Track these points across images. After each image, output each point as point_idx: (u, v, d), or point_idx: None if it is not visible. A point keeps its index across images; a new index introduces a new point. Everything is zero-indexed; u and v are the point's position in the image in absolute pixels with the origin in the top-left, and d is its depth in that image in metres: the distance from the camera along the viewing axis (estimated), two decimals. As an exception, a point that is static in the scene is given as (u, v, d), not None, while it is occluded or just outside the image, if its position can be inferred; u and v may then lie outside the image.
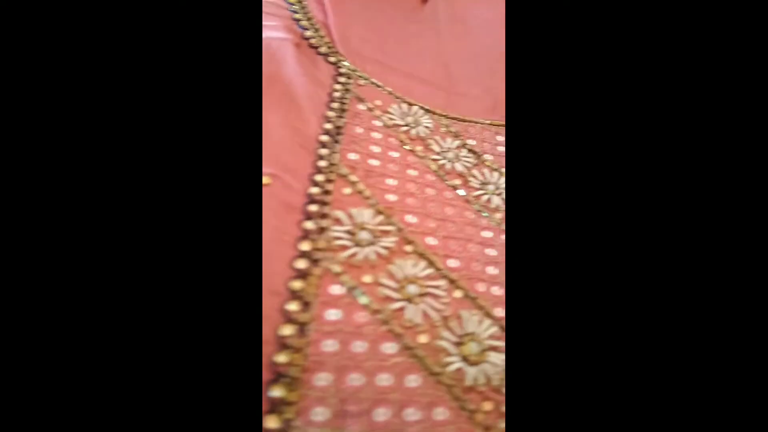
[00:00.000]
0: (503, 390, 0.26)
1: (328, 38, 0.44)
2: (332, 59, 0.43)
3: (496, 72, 0.51)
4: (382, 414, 0.24)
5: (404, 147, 0.38)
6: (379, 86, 0.43)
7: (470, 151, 0.41)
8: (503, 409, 0.26)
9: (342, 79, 0.41)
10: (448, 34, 0.54)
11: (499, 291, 0.31)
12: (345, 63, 0.43)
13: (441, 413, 0.25)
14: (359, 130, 0.38)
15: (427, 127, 0.41)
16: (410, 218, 0.33)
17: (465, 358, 0.27)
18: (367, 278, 0.28)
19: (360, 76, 0.43)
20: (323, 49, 0.43)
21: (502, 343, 0.28)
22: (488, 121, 0.45)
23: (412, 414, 0.24)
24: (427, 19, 0.55)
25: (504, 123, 0.45)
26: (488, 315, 0.29)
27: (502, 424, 0.25)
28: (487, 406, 0.26)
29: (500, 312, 0.30)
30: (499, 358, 0.27)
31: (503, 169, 0.41)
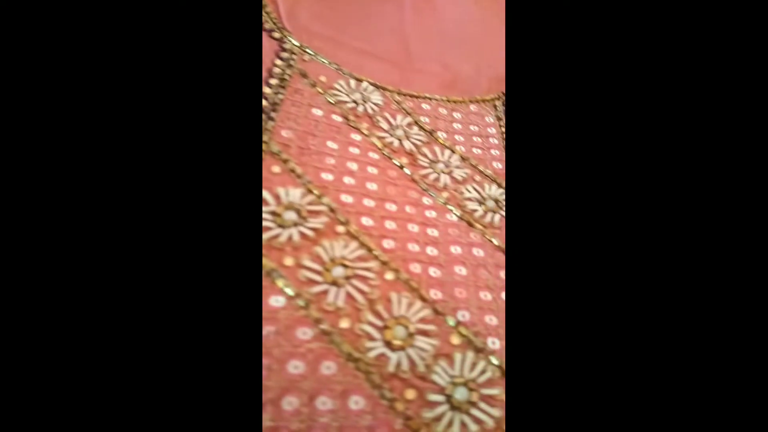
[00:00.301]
0: (431, 376, 0.25)
1: (274, 14, 0.42)
2: (276, 35, 0.41)
3: (460, 47, 0.49)
4: (289, 403, 0.22)
5: (349, 124, 0.36)
6: (326, 62, 0.41)
7: (422, 128, 0.39)
8: (430, 397, 0.24)
9: (284, 55, 0.39)
10: (411, 9, 0.51)
11: (437, 272, 0.29)
12: (290, 39, 0.41)
13: (356, 402, 0.23)
14: (297, 106, 0.36)
15: (376, 104, 0.39)
16: (346, 198, 0.31)
17: (388, 343, 0.25)
18: (288, 261, 0.27)
19: (305, 52, 0.41)
20: (268, 25, 0.41)
21: (432, 327, 0.26)
22: (445, 98, 0.43)
23: (323, 403, 0.22)
24: (391, -5, 0.53)
25: (463, 99, 0.43)
26: (421, 297, 0.28)
27: (428, 413, 0.24)
28: (410, 394, 0.24)
29: (436, 294, 0.28)
30: (427, 343, 0.26)
31: (457, 147, 0.39)
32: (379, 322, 0.26)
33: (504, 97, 0.45)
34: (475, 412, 0.24)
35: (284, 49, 0.40)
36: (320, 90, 0.38)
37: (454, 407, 0.24)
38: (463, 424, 0.24)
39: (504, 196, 0.36)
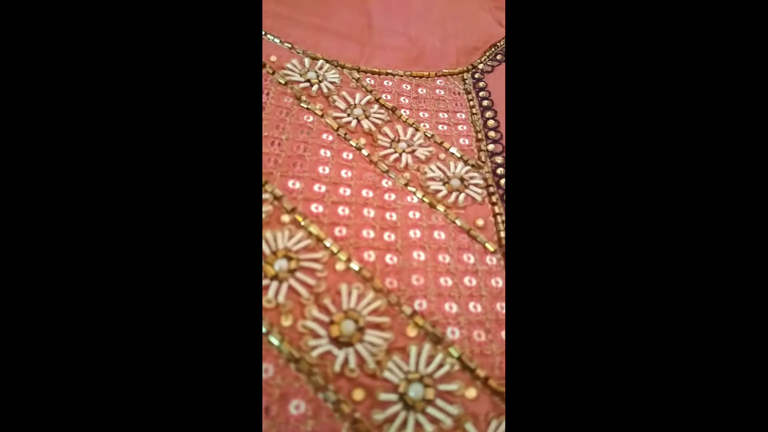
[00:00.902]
0: (382, 374, 0.23)
1: (222, -8, 0.40)
2: (223, 14, 0.38)
3: (426, 18, 0.46)
4: (221, 412, 0.20)
5: (300, 105, 0.34)
6: (277, 41, 0.38)
7: (383, 106, 0.37)
8: (381, 396, 0.22)
9: (231, 35, 0.37)
10: (374, -18, 0.49)
11: (393, 259, 0.27)
12: (238, 17, 0.39)
13: (297, 406, 0.21)
14: (245, 89, 0.33)
15: (332, 82, 0.36)
16: (293, 184, 0.29)
17: (335, 340, 0.23)
18: (225, 255, 0.25)
19: (255, 31, 0.38)
20: (214, 4, 0.39)
21: (385, 319, 0.24)
22: (409, 73, 0.40)
23: (260, 409, 0.21)
24: (354, -31, 0.50)
25: (429, 73, 0.41)
26: (374, 287, 0.25)
27: (378, 415, 0.22)
28: (358, 394, 0.22)
29: (392, 283, 0.26)
30: (379, 337, 0.24)
31: (421, 125, 0.36)
32: (325, 318, 0.24)
33: (473, 70, 0.42)
34: (431, 410, 0.22)
35: (231, 29, 0.38)
36: (270, 70, 0.35)
37: (408, 406, 0.22)
38: (418, 425, 0.22)
39: (469, 174, 0.33)
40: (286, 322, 0.23)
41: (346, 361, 0.22)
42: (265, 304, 0.23)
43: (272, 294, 0.24)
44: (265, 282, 0.24)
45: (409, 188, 0.31)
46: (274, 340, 0.22)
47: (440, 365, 0.23)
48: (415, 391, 0.22)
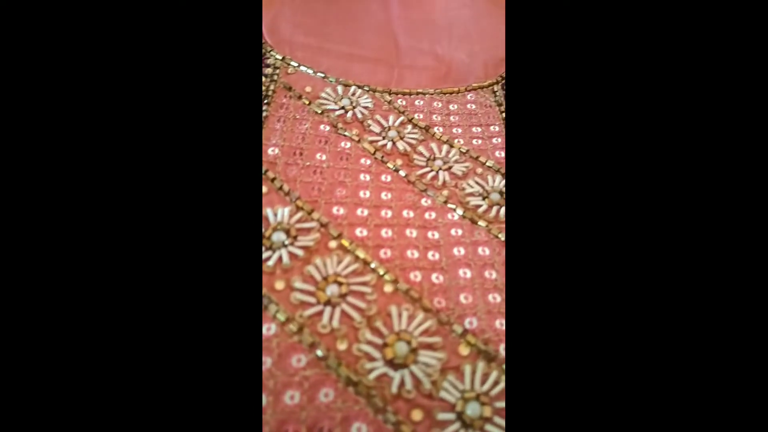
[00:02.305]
0: (439, 393, 0.23)
1: (256, 30, 0.42)
2: (258, 51, 0.40)
3: (450, 35, 0.46)
4: (288, 437, 0.21)
5: (338, 132, 0.35)
6: (310, 72, 0.40)
7: (416, 126, 0.37)
8: (439, 416, 0.22)
9: (267, 71, 0.38)
10: (397, 3, 0.50)
11: (440, 278, 0.27)
12: (272, 53, 0.40)
13: (359, 428, 0.22)
14: (282, 122, 0.35)
15: (366, 107, 0.38)
16: (338, 210, 0.30)
17: (390, 362, 0.23)
18: (279, 285, 0.26)
19: (289, 65, 0.40)
20: (249, 43, 0.41)
21: (437, 339, 0.25)
22: (438, 90, 0.41)
23: (324, 433, 0.21)
24: (376, -8, 0.51)
25: (458, 89, 0.41)
26: (423, 308, 0.26)
27: (438, 434, 0.22)
28: (417, 415, 0.22)
29: (440, 302, 0.26)
30: (432, 357, 0.24)
31: (455, 141, 0.36)
32: (378, 340, 0.24)
33: (503, 81, 0.43)
34: (489, 427, 0.22)
35: (267, 65, 0.39)
36: (306, 101, 0.37)
37: (467, 425, 0.22)
38: (478, 443, 0.22)
39: (509, 187, 0.33)
40: (342, 346, 0.24)
41: (402, 383, 0.23)
42: (320, 329, 0.24)
43: (326, 319, 0.25)
44: (318, 308, 0.25)
45: (449, 205, 0.32)
46: (333, 364, 0.23)
47: (495, 383, 0.23)
48: (472, 410, 0.23)
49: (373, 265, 0.27)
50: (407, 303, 0.26)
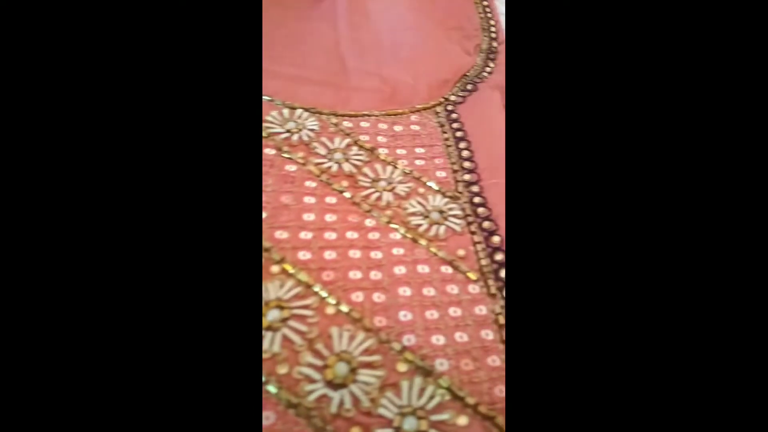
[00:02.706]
0: (377, 410, 0.24)
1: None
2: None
3: (397, 57, 0.48)
4: (228, 463, 0.22)
5: (282, 155, 0.36)
6: (257, 95, 0.40)
7: (362, 147, 0.39)
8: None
9: (213, 95, 0.39)
10: (346, 25, 0.51)
11: (381, 297, 0.28)
12: (219, 77, 0.41)
13: (298, 451, 0.22)
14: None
15: (312, 129, 0.38)
16: (281, 234, 0.31)
17: (330, 383, 0.24)
18: (221, 311, 0.26)
19: (236, 88, 0.40)
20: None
21: (377, 358, 0.26)
22: (384, 112, 0.42)
23: (264, 457, 0.22)
24: (325, 14, 0.52)
25: (403, 111, 0.43)
26: (364, 328, 0.27)
27: (376, 450, 0.23)
28: (355, 432, 0.23)
29: (381, 321, 0.27)
30: (371, 375, 0.25)
31: (398, 162, 0.38)
32: (319, 362, 0.25)
33: (446, 102, 0.45)
34: (425, 441, 0.24)
35: (213, 89, 0.40)
36: (252, 125, 0.38)
37: (404, 440, 0.23)
38: (415, 456, 0.23)
39: (448, 206, 0.35)
40: (282, 370, 0.24)
41: (341, 402, 0.24)
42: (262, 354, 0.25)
43: (267, 344, 0.25)
44: (260, 333, 0.26)
45: (392, 225, 0.33)
46: (272, 389, 0.24)
47: (431, 397, 0.25)
48: (409, 424, 0.24)
49: (315, 288, 0.28)
50: (348, 324, 0.27)
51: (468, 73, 0.48)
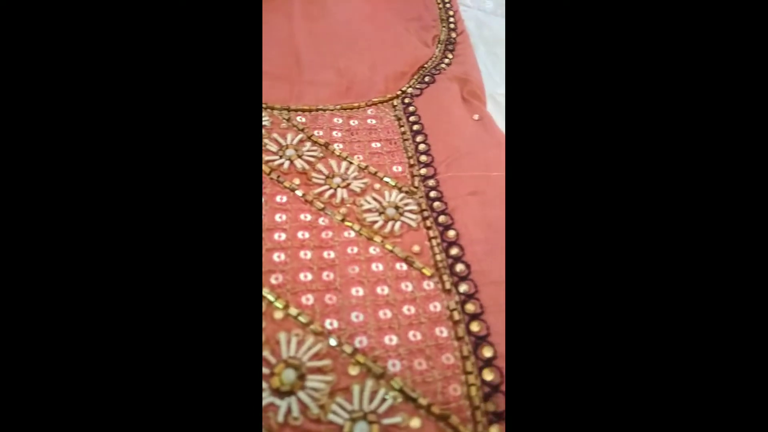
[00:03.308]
0: (327, 417, 0.23)
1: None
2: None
3: (353, 48, 0.47)
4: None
5: (231, 154, 0.35)
6: (205, 91, 0.39)
7: (315, 143, 0.37)
8: (327, 439, 0.23)
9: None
10: (301, 17, 0.49)
11: (333, 299, 0.28)
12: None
13: (242, 464, 0.22)
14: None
15: (263, 126, 0.37)
16: (228, 236, 0.29)
17: (276, 391, 0.23)
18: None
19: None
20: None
21: (326, 362, 0.25)
22: (339, 106, 0.41)
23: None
24: (280, 5, 0.50)
25: (359, 104, 0.42)
26: (314, 332, 0.26)
27: (326, 458, 0.22)
28: (303, 441, 0.23)
29: (332, 324, 0.27)
30: (320, 381, 0.24)
31: (353, 157, 0.37)
32: (266, 370, 0.24)
33: (403, 95, 0.44)
34: (376, 446, 0.23)
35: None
36: (198, 122, 0.36)
37: (354, 446, 0.23)
38: (366, 462, 0.23)
39: (404, 201, 0.34)
40: (227, 379, 0.23)
41: (289, 410, 0.23)
42: (204, 364, 0.24)
43: (210, 353, 0.24)
44: (203, 342, 0.24)
45: (346, 223, 0.32)
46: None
47: (383, 400, 0.24)
48: (360, 429, 0.23)
49: (263, 293, 0.27)
50: (297, 328, 0.26)
51: (426, 65, 0.47)
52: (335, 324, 0.27)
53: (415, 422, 0.24)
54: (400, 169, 0.37)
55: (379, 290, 0.29)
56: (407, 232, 0.33)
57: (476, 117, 0.43)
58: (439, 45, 0.50)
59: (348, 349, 0.26)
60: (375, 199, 0.34)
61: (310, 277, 0.28)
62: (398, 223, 0.33)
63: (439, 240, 0.32)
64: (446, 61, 0.48)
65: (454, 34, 0.52)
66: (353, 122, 0.40)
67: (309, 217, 0.32)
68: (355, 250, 0.31)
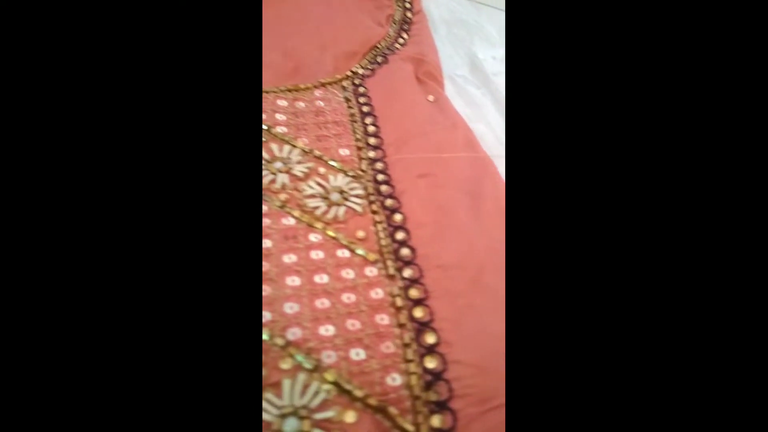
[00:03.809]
0: None
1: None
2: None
3: (301, 28, 0.45)
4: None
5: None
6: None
7: (257, 127, 0.36)
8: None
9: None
10: None
11: (267, 290, 0.26)
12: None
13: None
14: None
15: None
16: (153, 226, 0.27)
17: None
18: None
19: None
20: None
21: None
22: (284, 88, 0.39)
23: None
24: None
25: (306, 86, 0.40)
26: (244, 324, 0.25)
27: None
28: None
29: (264, 316, 0.25)
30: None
31: (298, 141, 0.35)
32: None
33: (354, 76, 0.42)
34: (307, 442, 0.22)
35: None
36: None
37: (283, 443, 0.21)
38: (296, 461, 0.21)
39: (350, 185, 0.33)
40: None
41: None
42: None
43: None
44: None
45: (286, 209, 0.30)
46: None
47: (315, 394, 0.23)
48: (290, 426, 0.22)
49: (190, 284, 0.25)
50: (226, 321, 0.24)
51: (379, 45, 0.45)
52: (268, 316, 0.25)
53: (350, 416, 0.22)
54: (347, 152, 0.35)
55: (317, 279, 0.27)
56: (352, 218, 0.31)
57: (431, 98, 0.42)
58: (394, 25, 0.48)
59: (280, 341, 0.24)
60: (319, 183, 0.32)
61: (242, 266, 0.27)
62: (342, 209, 0.31)
63: (385, 224, 0.31)
64: (400, 41, 0.46)
65: (410, 14, 0.50)
66: (299, 104, 0.38)
67: (246, 204, 0.30)
68: (293, 238, 0.29)
